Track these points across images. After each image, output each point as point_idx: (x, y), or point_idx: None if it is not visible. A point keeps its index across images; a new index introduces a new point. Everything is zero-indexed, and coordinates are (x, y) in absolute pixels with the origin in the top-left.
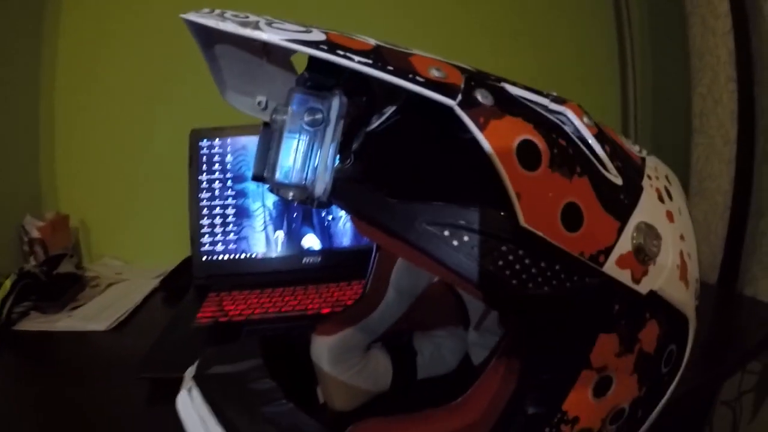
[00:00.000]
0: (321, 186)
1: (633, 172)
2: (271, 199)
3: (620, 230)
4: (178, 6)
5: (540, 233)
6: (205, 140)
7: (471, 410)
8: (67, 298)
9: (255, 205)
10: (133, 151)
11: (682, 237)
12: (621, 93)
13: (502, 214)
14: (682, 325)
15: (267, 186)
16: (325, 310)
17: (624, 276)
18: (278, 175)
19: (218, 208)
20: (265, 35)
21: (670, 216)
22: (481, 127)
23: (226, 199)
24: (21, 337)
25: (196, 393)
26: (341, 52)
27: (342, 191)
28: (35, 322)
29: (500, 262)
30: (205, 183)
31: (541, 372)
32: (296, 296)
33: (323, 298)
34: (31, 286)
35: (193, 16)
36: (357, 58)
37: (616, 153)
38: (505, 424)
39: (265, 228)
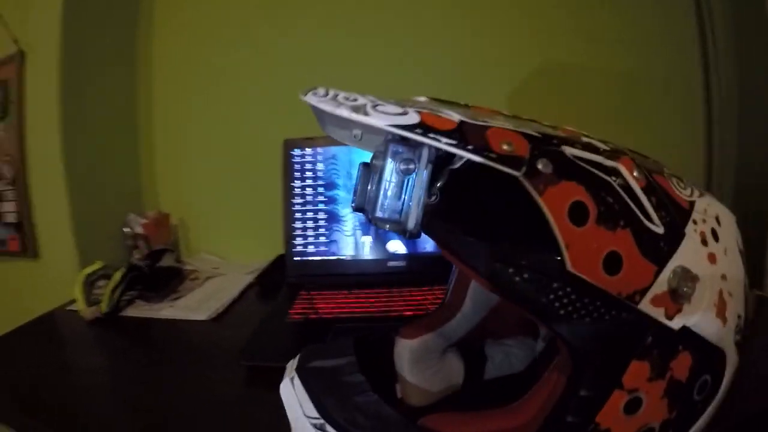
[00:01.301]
0: (412, 221)
1: (677, 219)
2: None
3: (657, 273)
4: (274, 23)
5: (584, 276)
6: (297, 149)
7: (523, 413)
8: (169, 289)
9: (344, 211)
10: (229, 156)
11: (723, 277)
12: (705, 95)
13: (556, 259)
14: (717, 358)
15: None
16: (407, 313)
17: (658, 313)
18: (377, 212)
19: (310, 212)
20: (373, 120)
21: (712, 258)
22: (540, 194)
23: (318, 205)
24: (127, 322)
25: (297, 381)
26: (432, 135)
27: (430, 225)
28: (140, 310)
29: (551, 296)
30: (297, 189)
31: (581, 388)
32: (381, 298)
33: (406, 301)
34: (137, 277)
35: (312, 101)
36: (444, 140)
37: (662, 203)
38: (548, 428)
39: (353, 232)
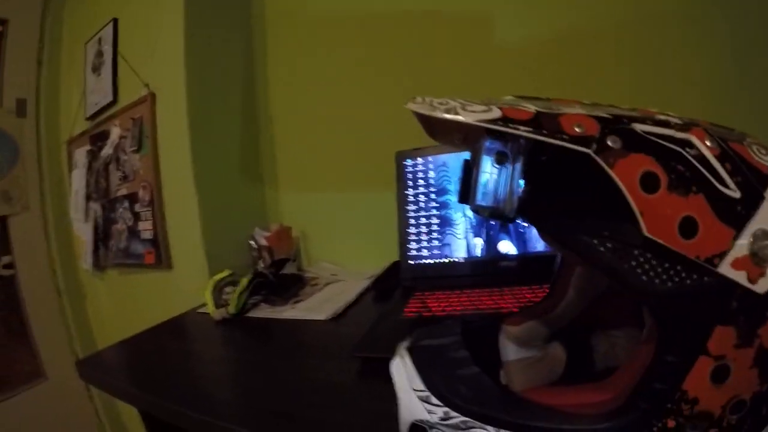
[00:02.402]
0: (509, 207)
1: (755, 184)
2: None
3: (736, 237)
4: (381, 41)
5: (661, 241)
6: (408, 159)
7: (616, 385)
8: (291, 293)
9: (456, 215)
10: (345, 170)
11: None
12: None
13: (633, 226)
14: None
15: (469, 206)
16: (516, 310)
17: (740, 276)
18: (477, 201)
19: (423, 218)
20: (462, 118)
21: None
22: (611, 166)
23: (430, 210)
24: (253, 322)
25: (407, 359)
26: (512, 126)
27: (525, 211)
28: (265, 312)
29: (633, 263)
30: (411, 197)
31: (667, 354)
32: (492, 297)
33: (516, 298)
34: (262, 283)
35: (413, 107)
36: (522, 128)
37: (738, 169)
38: (638, 396)
39: (465, 235)
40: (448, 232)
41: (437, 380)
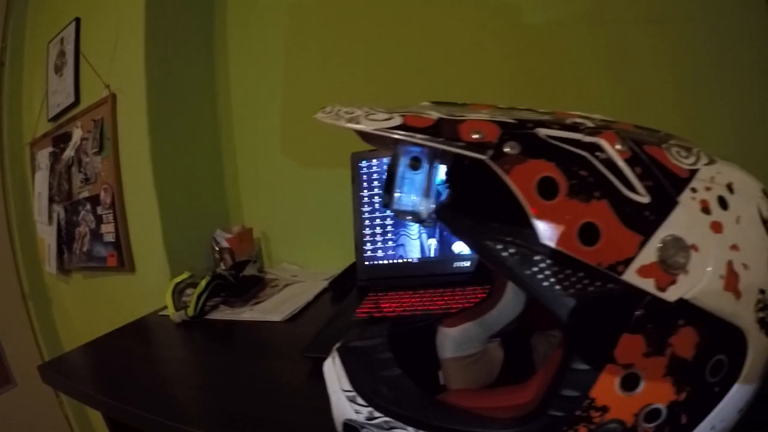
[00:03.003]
0: (426, 211)
1: (668, 188)
2: None
3: (643, 243)
4: (341, 43)
5: (559, 248)
6: (364, 161)
7: (531, 389)
8: (250, 295)
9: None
10: (304, 173)
11: (734, 247)
12: None
13: (532, 233)
14: (732, 337)
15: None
16: None
17: (647, 284)
18: (394, 205)
19: (378, 219)
20: (362, 127)
21: (716, 227)
22: (507, 173)
23: (385, 212)
24: (212, 324)
25: (337, 359)
26: (410, 133)
27: (441, 215)
28: (224, 313)
29: (534, 269)
30: (366, 198)
31: (573, 361)
32: (444, 297)
33: (467, 299)
34: (221, 285)
35: (320, 117)
36: (419, 136)
37: (650, 173)
38: (547, 401)
39: (419, 236)
40: (402, 233)
41: (362, 381)
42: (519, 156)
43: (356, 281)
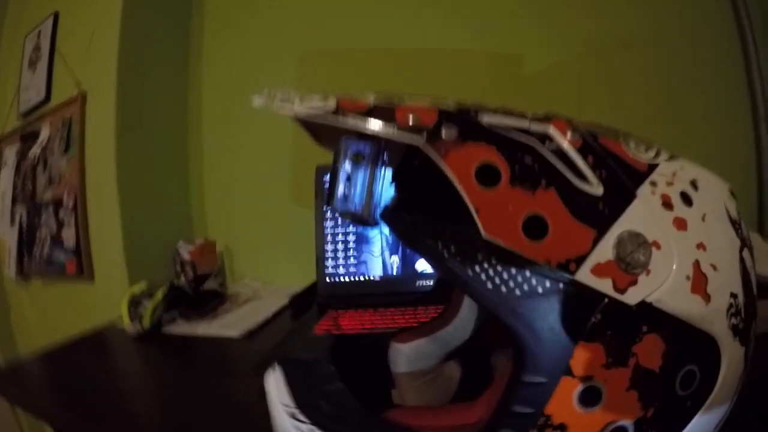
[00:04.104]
0: (366, 210)
1: (626, 180)
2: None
3: (597, 239)
4: (311, 55)
5: (502, 243)
6: (328, 175)
7: (481, 406)
8: (209, 309)
9: (373, 233)
10: (268, 188)
11: (701, 246)
12: (749, 96)
13: (471, 226)
14: (704, 345)
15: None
16: None
17: (603, 285)
18: (336, 204)
19: (340, 235)
20: (293, 108)
21: (680, 224)
22: (443, 157)
23: (348, 227)
24: (167, 337)
25: (278, 372)
26: (342, 116)
27: (383, 215)
28: (181, 327)
29: (477, 268)
30: (328, 213)
31: (524, 373)
32: (405, 315)
33: (429, 317)
34: (180, 298)
35: (256, 101)
36: (351, 119)
37: (603, 162)
38: (498, 419)
39: (382, 253)
40: (364, 249)
41: (302, 395)
42: (457, 140)
43: (317, 298)
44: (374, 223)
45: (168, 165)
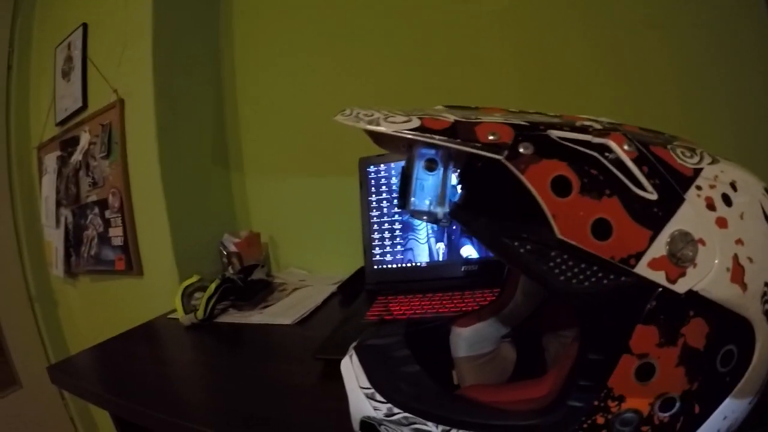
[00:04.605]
0: (441, 212)
1: (675, 185)
2: None
3: (653, 237)
4: (351, 47)
5: (574, 242)
6: (372, 166)
7: (548, 382)
8: (259, 299)
9: (418, 221)
10: (312, 178)
11: (739, 241)
12: None
13: (547, 229)
14: (741, 328)
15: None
16: None
17: (658, 276)
18: (411, 206)
19: (387, 224)
20: (382, 129)
21: (722, 222)
22: (522, 172)
23: (393, 216)
24: (221, 327)
25: (354, 357)
26: (428, 135)
27: (456, 215)
28: (233, 316)
29: (551, 264)
30: (374, 203)
31: (590, 352)
32: (453, 300)
33: (477, 301)
34: (230, 289)
35: (340, 119)
36: (437, 137)
37: (656, 171)
38: (566, 392)
39: (428, 240)
40: (410, 237)
41: (380, 378)
42: (533, 156)
43: (365, 285)
44: (448, 223)
45: (209, 161)
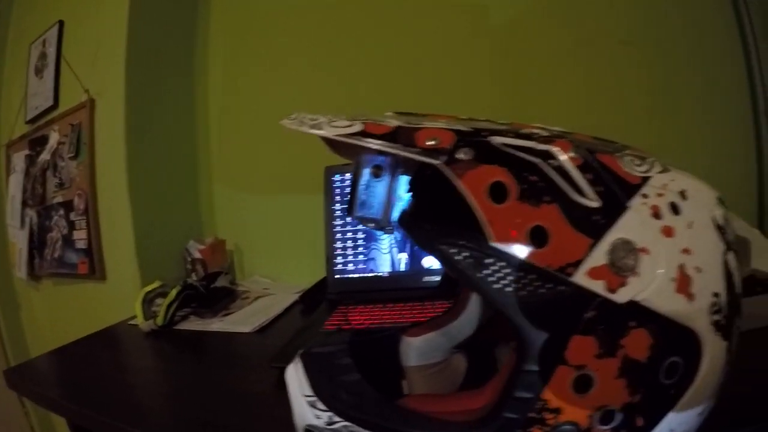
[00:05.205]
0: (385, 218)
1: (620, 193)
2: None
3: (592, 246)
4: (317, 57)
5: (509, 250)
6: (337, 175)
7: (488, 393)
8: (221, 306)
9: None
10: (279, 186)
11: (687, 251)
12: (750, 91)
13: (482, 235)
14: (687, 339)
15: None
16: None
17: (597, 286)
18: (356, 212)
19: (350, 233)
20: (324, 132)
21: (668, 231)
22: (459, 177)
23: (357, 225)
24: (181, 333)
25: (299, 365)
26: (368, 139)
27: (400, 222)
28: (193, 324)
29: (487, 271)
30: (338, 212)
31: (525, 362)
32: (413, 310)
33: (437, 312)
34: (192, 296)
35: (286, 124)
36: (377, 141)
37: (601, 179)
38: (502, 403)
39: (390, 250)
40: (373, 246)
41: (322, 386)
42: (471, 162)
43: (327, 294)
44: (392, 230)
45: (177, 166)
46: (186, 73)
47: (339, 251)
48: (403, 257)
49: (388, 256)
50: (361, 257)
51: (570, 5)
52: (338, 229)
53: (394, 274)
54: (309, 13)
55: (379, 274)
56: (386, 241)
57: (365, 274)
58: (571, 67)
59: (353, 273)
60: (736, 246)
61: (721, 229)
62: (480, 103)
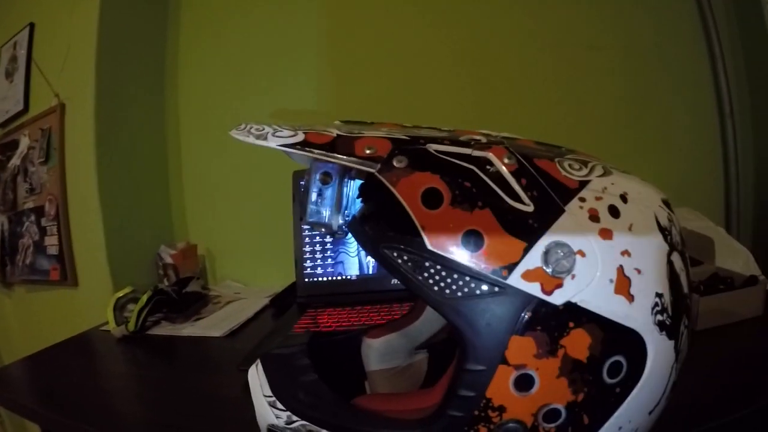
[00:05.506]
0: (336, 223)
1: (556, 197)
2: None
3: (527, 249)
4: (287, 65)
5: (444, 253)
6: (302, 190)
7: (437, 392)
8: (192, 311)
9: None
10: (249, 191)
11: (626, 253)
12: (715, 94)
13: (418, 240)
14: (629, 339)
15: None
16: None
17: (532, 288)
18: (308, 217)
19: (318, 237)
20: (267, 143)
21: (606, 234)
22: (394, 185)
23: None
24: (152, 339)
25: (259, 366)
26: (308, 149)
27: (349, 227)
28: (165, 329)
29: (426, 274)
30: None
31: (466, 362)
32: (381, 312)
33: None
34: (164, 301)
35: (233, 134)
36: (316, 151)
37: (535, 183)
38: (447, 401)
39: (358, 253)
40: (341, 250)
41: (281, 386)
42: (406, 169)
43: (296, 298)
44: (343, 234)
45: (148, 172)
46: (157, 78)
47: (308, 255)
48: (371, 260)
49: (356, 259)
50: (329, 261)
51: (538, 11)
52: (307, 233)
53: (363, 277)
54: (279, 20)
55: (348, 277)
56: (354, 245)
57: (334, 278)
58: (539, 72)
59: (322, 276)
60: (683, 247)
61: (664, 230)
62: (447, 110)
